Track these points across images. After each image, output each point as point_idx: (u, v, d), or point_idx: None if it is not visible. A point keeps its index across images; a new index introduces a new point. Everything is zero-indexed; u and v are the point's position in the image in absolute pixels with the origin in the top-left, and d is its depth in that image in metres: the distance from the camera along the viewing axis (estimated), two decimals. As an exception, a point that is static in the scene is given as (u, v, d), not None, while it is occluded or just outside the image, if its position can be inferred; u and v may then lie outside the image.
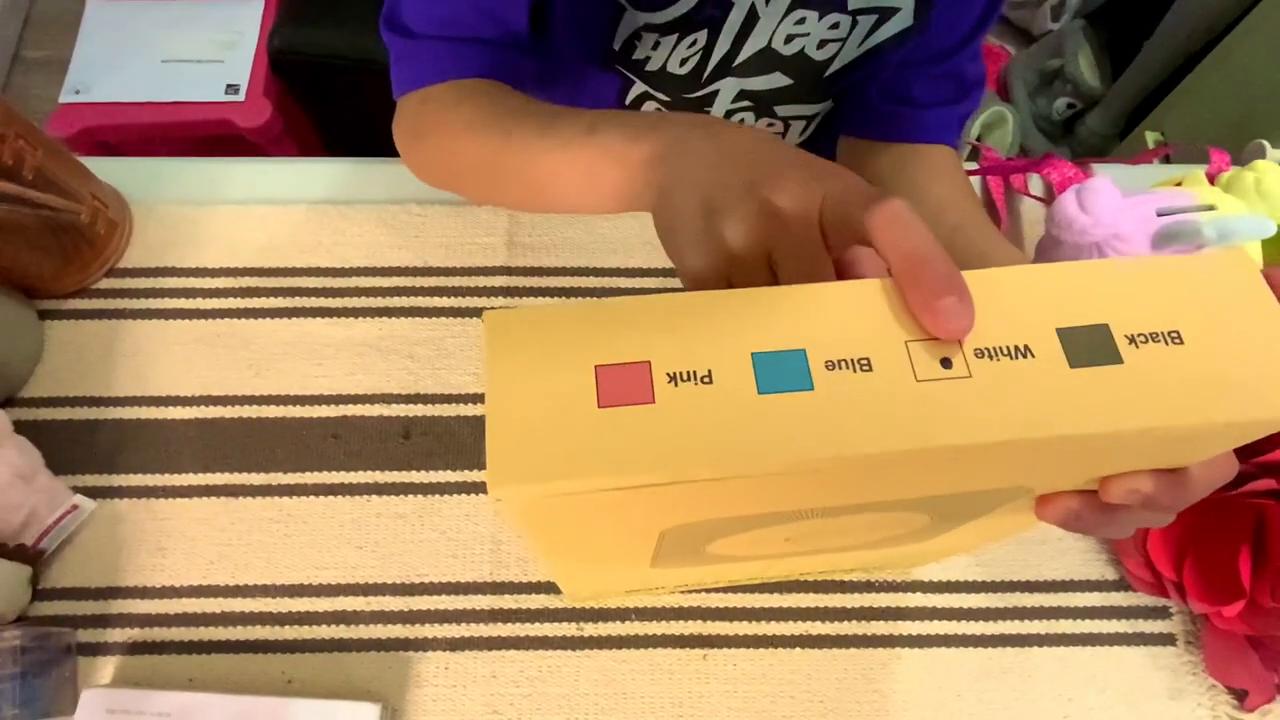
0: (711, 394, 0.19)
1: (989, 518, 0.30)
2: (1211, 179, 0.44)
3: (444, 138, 0.42)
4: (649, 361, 0.20)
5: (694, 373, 0.19)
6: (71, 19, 1.33)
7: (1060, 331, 0.20)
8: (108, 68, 0.97)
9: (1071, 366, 0.20)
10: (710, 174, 0.26)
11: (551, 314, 0.20)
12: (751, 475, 0.19)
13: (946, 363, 0.20)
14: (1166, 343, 0.20)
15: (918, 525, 0.30)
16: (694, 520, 0.24)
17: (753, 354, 0.20)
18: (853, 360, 0.20)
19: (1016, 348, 0.20)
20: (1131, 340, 0.20)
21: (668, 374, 0.19)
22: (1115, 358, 0.20)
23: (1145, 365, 0.20)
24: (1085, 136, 1.26)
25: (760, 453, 0.19)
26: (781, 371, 0.19)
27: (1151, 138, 1.04)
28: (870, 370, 0.20)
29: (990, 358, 0.20)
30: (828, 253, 0.24)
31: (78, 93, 0.95)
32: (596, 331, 0.20)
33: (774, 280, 0.24)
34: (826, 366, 0.20)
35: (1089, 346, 0.20)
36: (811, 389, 0.19)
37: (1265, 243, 0.43)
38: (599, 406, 0.19)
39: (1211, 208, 0.40)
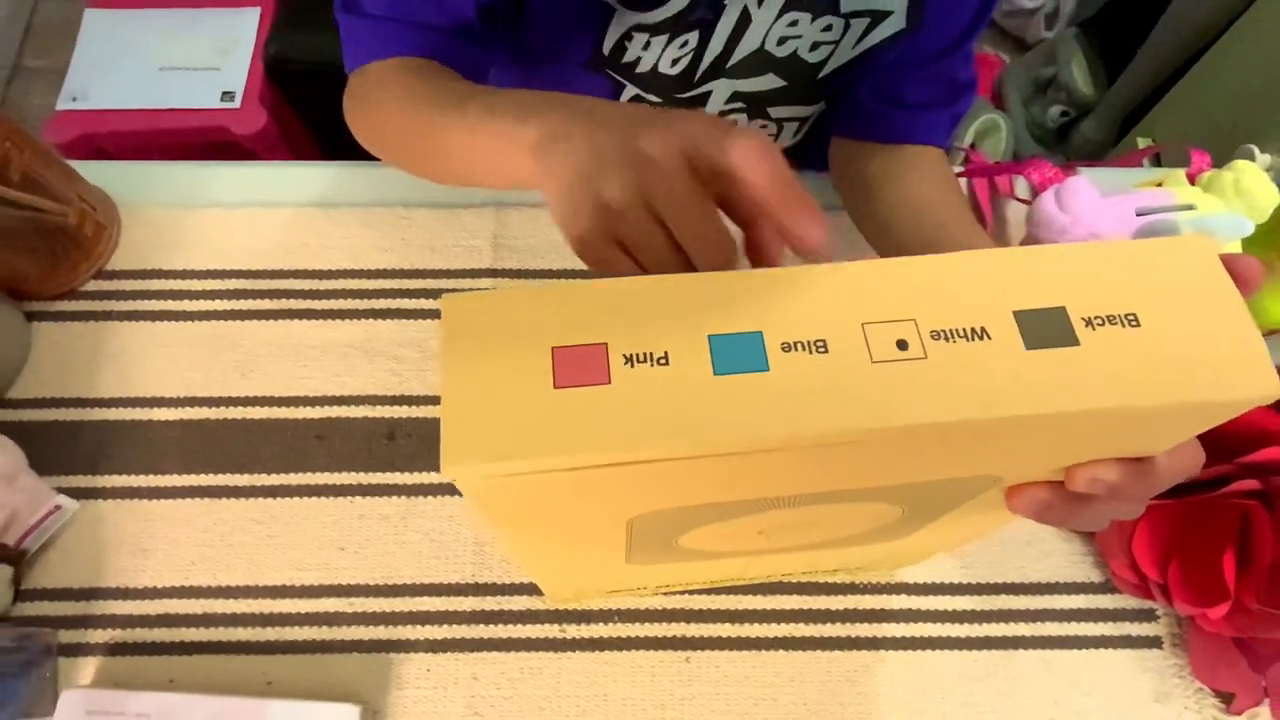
0: (667, 375, 0.19)
1: (963, 511, 0.29)
2: (1192, 179, 0.44)
3: (377, 110, 0.43)
4: (605, 343, 0.20)
5: (650, 354, 0.20)
6: (72, 28, 1.34)
7: (1017, 314, 0.20)
8: (105, 75, 0.98)
9: (1027, 348, 0.20)
10: (588, 147, 0.27)
11: (509, 297, 0.20)
12: (706, 455, 0.19)
13: (902, 344, 0.20)
14: (1123, 325, 0.20)
15: (891, 519, 0.29)
16: (659, 508, 0.24)
17: (709, 336, 0.20)
18: (809, 342, 0.20)
19: (973, 329, 0.20)
20: (1088, 323, 0.20)
21: (624, 355, 0.20)
22: (1071, 340, 0.20)
23: (1101, 347, 0.20)
24: (1079, 143, 1.26)
25: (715, 432, 0.19)
26: (738, 353, 0.19)
27: (1143, 144, 1.04)
28: (826, 352, 0.20)
29: (946, 339, 0.20)
30: (707, 197, 0.25)
31: (75, 100, 0.95)
32: (554, 314, 0.20)
33: (666, 234, 0.25)
34: (783, 348, 0.20)
35: (1045, 328, 0.20)
36: (767, 370, 0.19)
37: (1244, 241, 0.43)
38: (555, 387, 0.19)
39: (1191, 207, 0.40)
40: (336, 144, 1.16)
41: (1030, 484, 0.26)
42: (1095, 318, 0.20)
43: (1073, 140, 1.28)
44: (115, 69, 0.99)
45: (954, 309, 0.20)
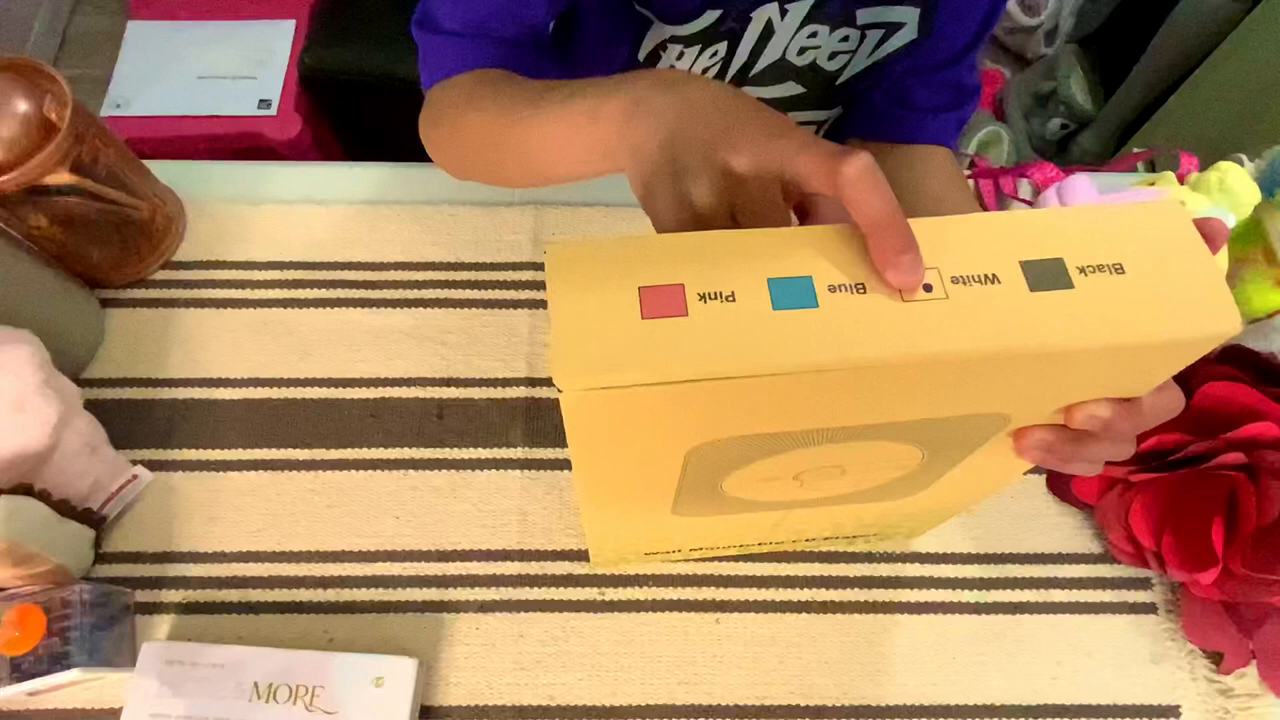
0: (734, 310, 0.23)
1: (976, 458, 0.33)
2: (1181, 179, 0.49)
3: (454, 119, 0.45)
4: (683, 284, 0.24)
5: (720, 293, 0.23)
6: (103, 39, 1.39)
7: (1023, 263, 0.24)
8: (147, 83, 1.02)
9: (1031, 291, 0.24)
10: (675, 131, 0.28)
11: (603, 246, 0.24)
12: (765, 374, 0.23)
13: (928, 287, 0.24)
14: (1111, 273, 0.24)
15: (913, 464, 0.33)
16: (717, 437, 0.28)
17: (768, 279, 0.24)
18: (850, 285, 0.24)
19: (986, 275, 0.24)
20: (1082, 270, 0.24)
21: (698, 294, 0.23)
22: (1068, 284, 0.24)
23: (1093, 290, 0.24)
24: (1078, 155, 1.31)
25: (773, 355, 0.23)
26: (792, 293, 0.23)
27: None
28: (865, 293, 0.24)
29: (964, 284, 0.24)
30: (787, 206, 0.27)
31: (118, 106, 1.00)
32: (639, 260, 0.24)
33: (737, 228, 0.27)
34: (829, 290, 0.24)
35: (1046, 275, 0.24)
36: (817, 306, 0.23)
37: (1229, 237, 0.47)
38: (642, 318, 0.23)
39: (1180, 203, 0.44)
40: (364, 149, 1.22)
41: (1034, 426, 0.30)
42: (1088, 266, 0.24)
43: (1072, 152, 1.32)
44: (157, 78, 1.03)
45: (970, 259, 0.24)
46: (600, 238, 0.25)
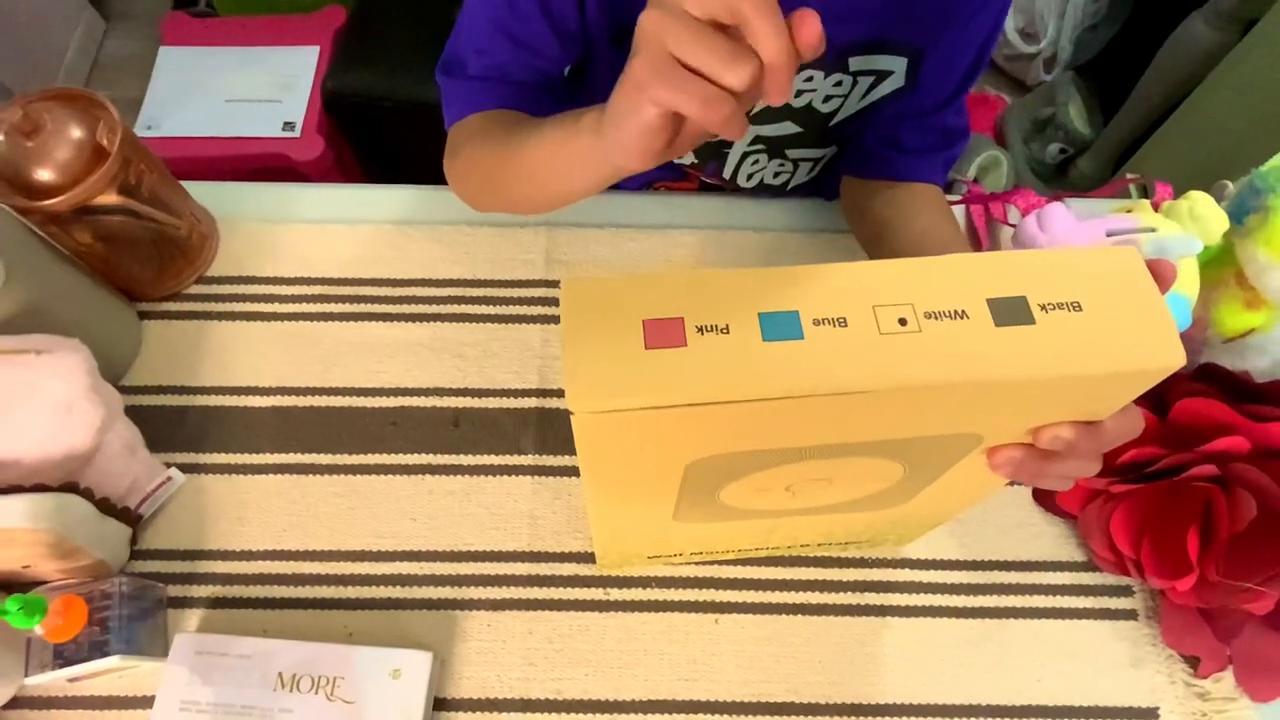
0: (728, 341, 0.26)
1: (954, 474, 0.36)
2: (1156, 207, 0.51)
3: (468, 153, 0.50)
4: (682, 317, 0.27)
5: (715, 325, 0.26)
6: (133, 63, 1.44)
7: (989, 300, 0.27)
8: (177, 106, 1.07)
9: (996, 325, 0.27)
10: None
11: (610, 283, 0.27)
12: (756, 399, 0.26)
13: (903, 321, 0.27)
14: (1070, 310, 0.27)
15: (896, 478, 0.36)
16: (714, 453, 0.30)
17: (759, 313, 0.27)
18: (833, 319, 0.27)
19: (956, 311, 0.27)
20: (1043, 308, 0.27)
21: (696, 326, 0.26)
22: (1030, 320, 0.27)
23: (1053, 326, 0.26)
24: (1076, 179, 1.34)
25: (763, 381, 0.25)
26: (780, 326, 0.26)
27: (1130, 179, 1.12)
28: (846, 326, 0.26)
29: (936, 319, 0.27)
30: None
31: (150, 128, 1.05)
32: (643, 296, 0.27)
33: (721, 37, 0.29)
34: (814, 323, 0.26)
35: (1010, 311, 0.27)
36: (803, 338, 0.26)
37: (1203, 261, 0.50)
38: (645, 348, 0.26)
39: (1152, 230, 0.47)
40: (383, 169, 1.26)
41: (1005, 445, 0.33)
42: (1049, 304, 0.27)
43: (1070, 176, 1.35)
44: (186, 101, 1.08)
45: (942, 296, 0.27)
46: (609, 275, 0.28)
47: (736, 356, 0.26)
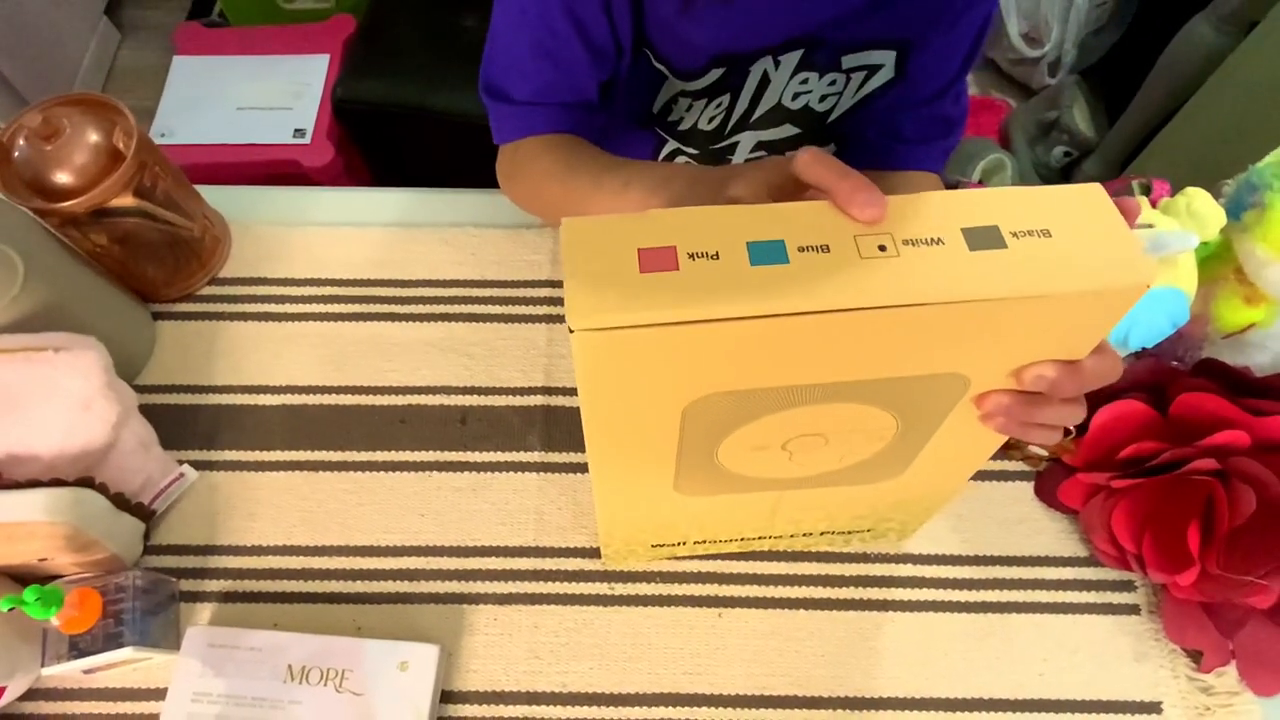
0: (718, 266, 0.27)
1: (947, 431, 0.37)
2: (1154, 203, 0.52)
3: (528, 181, 0.55)
4: (675, 245, 0.28)
5: (706, 252, 0.28)
6: (147, 72, 1.47)
7: (964, 229, 0.28)
8: (190, 113, 1.09)
9: (970, 250, 0.28)
10: (683, 195, 0.37)
11: (606, 220, 0.29)
12: (745, 316, 0.27)
13: (882, 247, 0.28)
14: (1040, 236, 0.28)
15: (889, 433, 0.36)
16: (706, 392, 0.31)
17: (747, 241, 0.28)
18: (817, 246, 0.28)
19: (932, 238, 0.28)
20: (1015, 235, 0.28)
21: (688, 253, 0.28)
22: (1002, 245, 0.28)
23: (1024, 250, 0.27)
24: (1081, 182, 1.34)
25: (751, 302, 0.27)
26: (767, 252, 0.27)
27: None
28: (829, 252, 0.28)
29: (913, 245, 0.28)
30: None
31: (164, 135, 1.06)
32: (637, 229, 0.28)
33: None
34: (798, 250, 0.28)
35: (983, 238, 0.28)
36: (788, 263, 0.27)
37: (1201, 258, 0.50)
38: (640, 273, 0.27)
39: (1150, 225, 0.48)
40: (392, 174, 1.27)
41: (992, 391, 0.34)
42: (1020, 231, 0.28)
43: (1075, 179, 1.35)
44: (199, 109, 1.10)
45: (919, 226, 0.28)
46: (606, 215, 0.30)
47: (726, 278, 0.27)
